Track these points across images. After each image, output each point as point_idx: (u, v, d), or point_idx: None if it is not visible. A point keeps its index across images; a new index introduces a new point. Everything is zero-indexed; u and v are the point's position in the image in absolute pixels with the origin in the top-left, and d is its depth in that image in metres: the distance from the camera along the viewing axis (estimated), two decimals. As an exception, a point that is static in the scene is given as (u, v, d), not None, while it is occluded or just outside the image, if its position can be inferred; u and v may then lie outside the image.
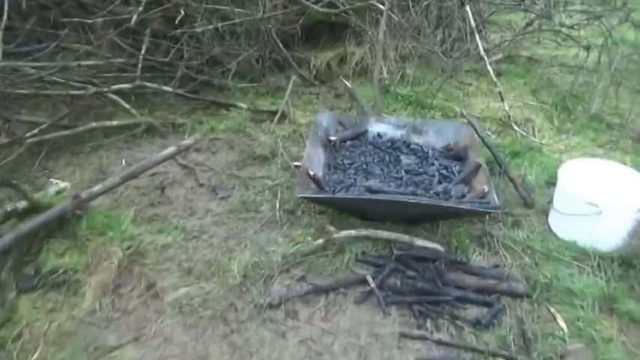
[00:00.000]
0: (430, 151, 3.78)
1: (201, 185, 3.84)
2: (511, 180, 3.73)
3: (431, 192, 3.28)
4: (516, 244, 3.25)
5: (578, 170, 3.39)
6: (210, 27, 4.78)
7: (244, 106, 4.83)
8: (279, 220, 3.42)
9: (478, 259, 3.14)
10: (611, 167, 3.45)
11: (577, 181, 3.26)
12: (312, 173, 3.28)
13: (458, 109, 4.94)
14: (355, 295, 2.80)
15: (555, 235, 3.38)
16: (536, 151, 4.25)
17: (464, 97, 5.22)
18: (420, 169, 3.54)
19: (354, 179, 3.45)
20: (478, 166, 3.42)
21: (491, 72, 4.65)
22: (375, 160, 3.67)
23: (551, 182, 3.90)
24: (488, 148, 3.83)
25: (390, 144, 3.88)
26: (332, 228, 3.13)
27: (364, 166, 3.60)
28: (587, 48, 5.36)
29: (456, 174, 3.49)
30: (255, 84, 5.32)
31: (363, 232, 3.08)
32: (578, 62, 5.60)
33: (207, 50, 4.89)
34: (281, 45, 5.29)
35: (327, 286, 2.84)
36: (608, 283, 2.92)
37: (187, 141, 3.59)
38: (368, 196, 3.08)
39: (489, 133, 4.61)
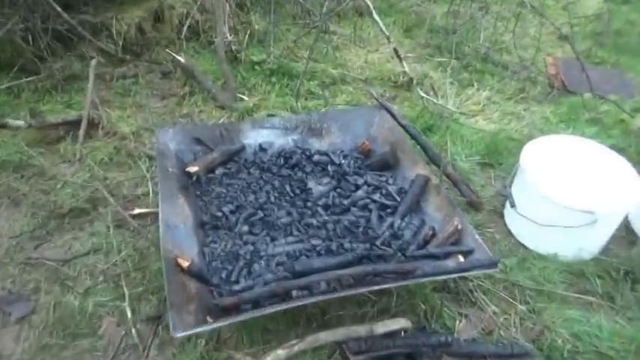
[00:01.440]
0: (344, 162, 2.55)
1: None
2: (449, 178, 2.74)
3: (378, 242, 2.10)
4: (495, 284, 2.32)
5: (546, 160, 2.51)
6: None
7: (20, 122, 2.96)
8: (139, 346, 1.98)
9: (461, 325, 2.14)
10: (582, 147, 2.64)
11: (553, 179, 2.40)
12: (184, 263, 1.84)
13: (335, 73, 3.74)
14: None
15: (524, 245, 2.53)
16: (451, 121, 3.31)
17: (335, 53, 4.00)
18: (344, 200, 2.32)
19: (253, 244, 2.10)
20: (425, 181, 2.32)
21: (375, 14, 3.45)
22: (272, 196, 2.34)
23: (484, 163, 3.04)
24: (416, 140, 2.75)
25: (283, 160, 2.55)
26: (239, 356, 1.83)
27: (259, 213, 2.25)
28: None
29: (394, 194, 2.35)
30: (32, 77, 3.38)
31: (298, 345, 1.84)
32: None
33: None
34: (58, 7, 3.38)
35: None
36: (633, 322, 2.16)
37: None
38: (298, 286, 1.80)
39: (374, 90, 3.53)
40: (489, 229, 2.64)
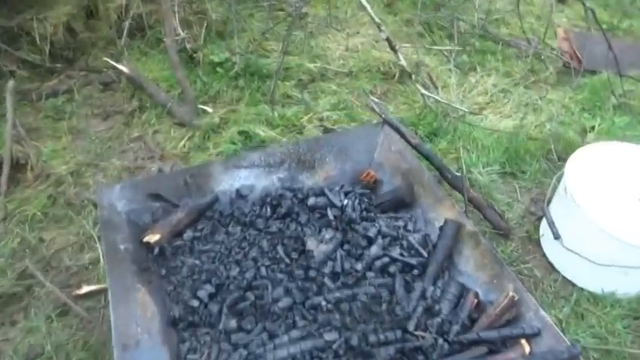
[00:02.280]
0: (347, 202, 2.00)
1: None
2: (472, 203, 2.23)
3: (411, 326, 1.59)
4: None
5: (596, 179, 2.03)
6: None
7: None
8: None
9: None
10: (636, 157, 2.15)
11: (608, 205, 1.94)
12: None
13: (314, 67, 3.13)
14: None
15: (571, 282, 2.08)
16: (458, 121, 2.78)
17: (309, 42, 3.36)
18: (356, 263, 1.79)
19: (246, 347, 1.56)
20: (458, 228, 1.80)
21: None
22: (262, 266, 1.78)
23: (505, 172, 2.55)
24: (430, 161, 2.21)
25: (269, 210, 1.98)
26: None
27: (248, 295, 1.70)
28: None
29: (419, 248, 1.83)
30: None
31: None
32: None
33: None
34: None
35: None
36: None
37: None
38: None
39: (373, 99, 2.97)
40: (527, 265, 2.17)
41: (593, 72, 3.13)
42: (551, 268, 2.16)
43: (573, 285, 2.09)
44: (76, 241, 2.19)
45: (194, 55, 3.04)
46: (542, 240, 2.23)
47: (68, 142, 2.68)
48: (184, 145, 2.69)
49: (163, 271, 1.79)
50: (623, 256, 1.86)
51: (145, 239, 1.80)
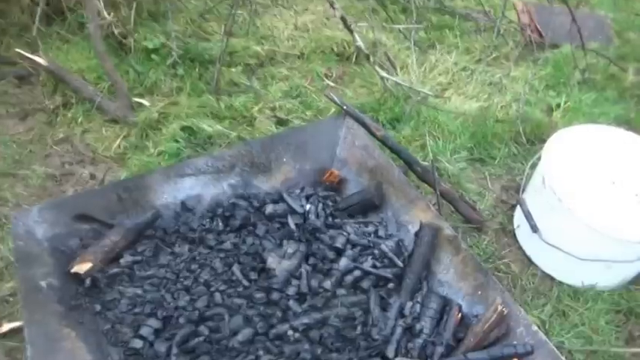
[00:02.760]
0: (309, 207, 1.78)
1: None
2: (445, 198, 2.06)
3: (391, 352, 1.41)
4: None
5: (573, 167, 1.89)
6: None
7: None
8: None
9: None
10: (613, 140, 2.02)
11: (589, 196, 1.80)
12: None
13: (261, 50, 2.85)
14: None
15: (550, 276, 1.97)
16: (421, 104, 2.59)
17: (254, 22, 3.05)
18: (324, 280, 1.58)
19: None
20: (435, 233, 1.62)
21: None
22: (216, 292, 1.54)
23: (473, 158, 2.40)
24: (398, 154, 2.01)
25: (221, 222, 1.73)
26: None
27: (201, 329, 1.46)
28: None
29: (393, 257, 1.64)
30: None
31: None
32: None
33: None
34: None
35: None
36: None
37: None
38: None
39: (329, 83, 2.75)
40: (503, 260, 2.03)
41: (555, 46, 3.00)
42: (529, 261, 2.03)
43: (552, 279, 1.97)
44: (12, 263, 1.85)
45: (124, 41, 2.67)
46: (517, 232, 2.09)
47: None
48: (119, 146, 2.37)
49: (98, 307, 1.51)
50: (608, 251, 1.74)
51: (74, 270, 1.51)
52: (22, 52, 2.41)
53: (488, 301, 1.47)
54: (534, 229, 1.91)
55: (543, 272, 1.97)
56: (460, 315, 1.50)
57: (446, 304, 1.54)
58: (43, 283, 1.43)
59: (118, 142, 2.38)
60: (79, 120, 2.46)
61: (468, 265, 1.55)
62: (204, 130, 2.37)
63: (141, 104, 2.50)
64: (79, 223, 1.59)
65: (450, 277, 1.58)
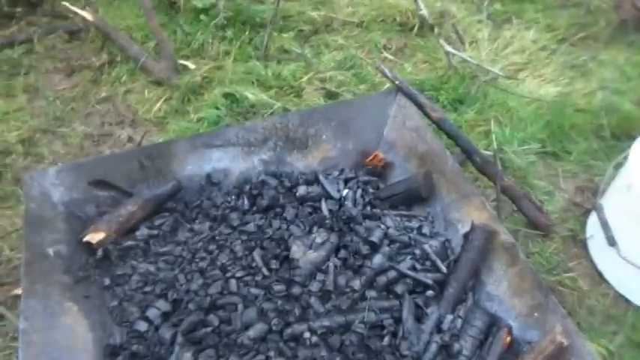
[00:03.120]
0: (346, 193, 1.59)
1: None
2: (506, 194, 1.79)
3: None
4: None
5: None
6: None
7: None
8: None
9: None
10: None
11: None
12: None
13: (317, 16, 2.64)
14: None
15: (625, 297, 1.66)
16: (490, 85, 2.29)
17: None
18: (353, 279, 1.39)
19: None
20: (489, 238, 1.37)
21: None
22: (231, 279, 1.40)
23: (545, 152, 2.09)
24: (455, 140, 1.75)
25: (247, 201, 1.57)
26: None
27: (211, 319, 1.32)
28: None
29: (436, 261, 1.41)
30: None
31: None
32: None
33: None
34: None
35: None
36: None
37: None
38: None
39: (387, 56, 2.50)
40: (569, 274, 1.75)
41: (658, 27, 2.57)
42: (600, 278, 1.74)
43: (627, 302, 1.67)
44: (19, 227, 1.80)
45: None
46: (589, 242, 1.79)
47: (23, 102, 2.26)
48: (160, 109, 2.28)
49: (107, 281, 1.40)
50: None
51: (86, 239, 1.41)
52: (68, 5, 2.33)
53: (546, 326, 1.22)
54: (611, 241, 1.62)
55: (617, 292, 1.68)
56: (509, 339, 1.26)
57: (493, 323, 1.30)
58: (50, 251, 1.34)
59: (159, 104, 2.28)
60: (123, 79, 2.38)
61: (526, 280, 1.30)
62: (247, 98, 2.22)
63: (185, 67, 2.38)
64: (97, 189, 1.48)
65: (502, 292, 1.34)
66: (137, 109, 2.28)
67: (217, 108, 2.19)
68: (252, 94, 2.22)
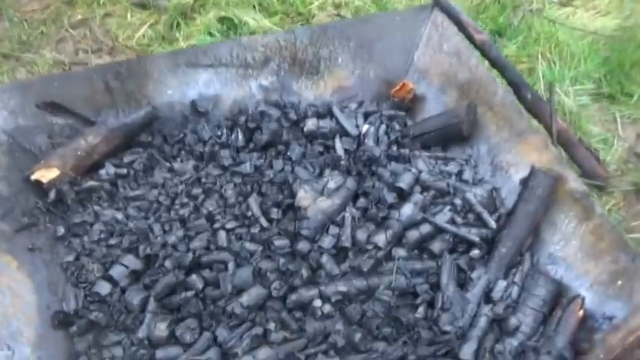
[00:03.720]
0: (366, 129, 1.26)
1: None
2: (560, 143, 1.46)
3: (468, 356, 0.90)
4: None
5: None
6: None
7: None
8: None
9: None
10: None
11: None
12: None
13: None
14: None
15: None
16: (536, 16, 1.93)
17: None
18: (376, 234, 1.07)
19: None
20: (553, 186, 1.05)
21: None
22: (222, 233, 1.09)
23: (600, 93, 1.76)
24: (504, 74, 1.41)
25: (243, 136, 1.24)
26: None
27: (193, 280, 1.01)
28: None
29: (482, 212, 1.09)
30: None
31: None
32: None
33: None
34: None
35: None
36: None
37: None
38: None
39: None
40: (633, 234, 1.43)
41: None
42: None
43: None
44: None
45: None
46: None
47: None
48: (144, 35, 1.97)
49: (61, 230, 1.10)
50: None
51: (34, 177, 1.10)
52: None
53: (634, 298, 0.92)
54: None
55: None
56: (582, 313, 0.96)
57: (559, 293, 1.00)
58: (-17, 190, 1.03)
59: (142, 30, 1.97)
60: (102, 0, 2.02)
61: (604, 239, 0.99)
62: (246, 24, 1.88)
63: (176, -15, 2.01)
64: (49, 115, 1.16)
65: (571, 253, 1.03)
66: (117, 35, 1.97)
67: (211, 34, 1.87)
68: (252, 20, 1.89)
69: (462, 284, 1.03)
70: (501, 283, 1.02)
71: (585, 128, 1.68)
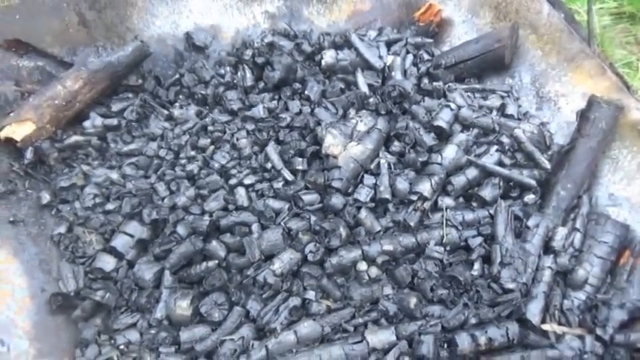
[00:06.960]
0: (391, 59, 1.08)
1: None
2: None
3: (535, 315, 0.80)
4: None
5: None
6: None
7: None
8: None
9: None
10: None
11: None
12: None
13: None
14: None
15: None
16: None
17: None
18: (421, 182, 0.94)
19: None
20: (613, 114, 0.93)
21: None
22: (242, 190, 0.93)
23: (623, 13, 1.63)
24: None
25: (250, 74, 1.05)
26: None
27: (216, 251, 0.85)
28: None
29: (533, 152, 0.97)
30: None
31: None
32: None
33: None
34: None
35: None
36: None
37: None
38: None
39: None
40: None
41: None
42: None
43: None
44: None
45: None
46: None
47: None
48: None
49: (46, 197, 0.91)
50: None
51: (4, 133, 0.90)
52: None
53: None
54: None
55: None
56: (653, 263, 0.87)
57: (626, 239, 0.90)
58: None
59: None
60: None
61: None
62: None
63: None
64: (14, 57, 0.94)
65: (636, 192, 0.92)
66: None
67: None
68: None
69: (519, 234, 0.92)
70: (562, 231, 0.91)
71: (610, 51, 1.55)
